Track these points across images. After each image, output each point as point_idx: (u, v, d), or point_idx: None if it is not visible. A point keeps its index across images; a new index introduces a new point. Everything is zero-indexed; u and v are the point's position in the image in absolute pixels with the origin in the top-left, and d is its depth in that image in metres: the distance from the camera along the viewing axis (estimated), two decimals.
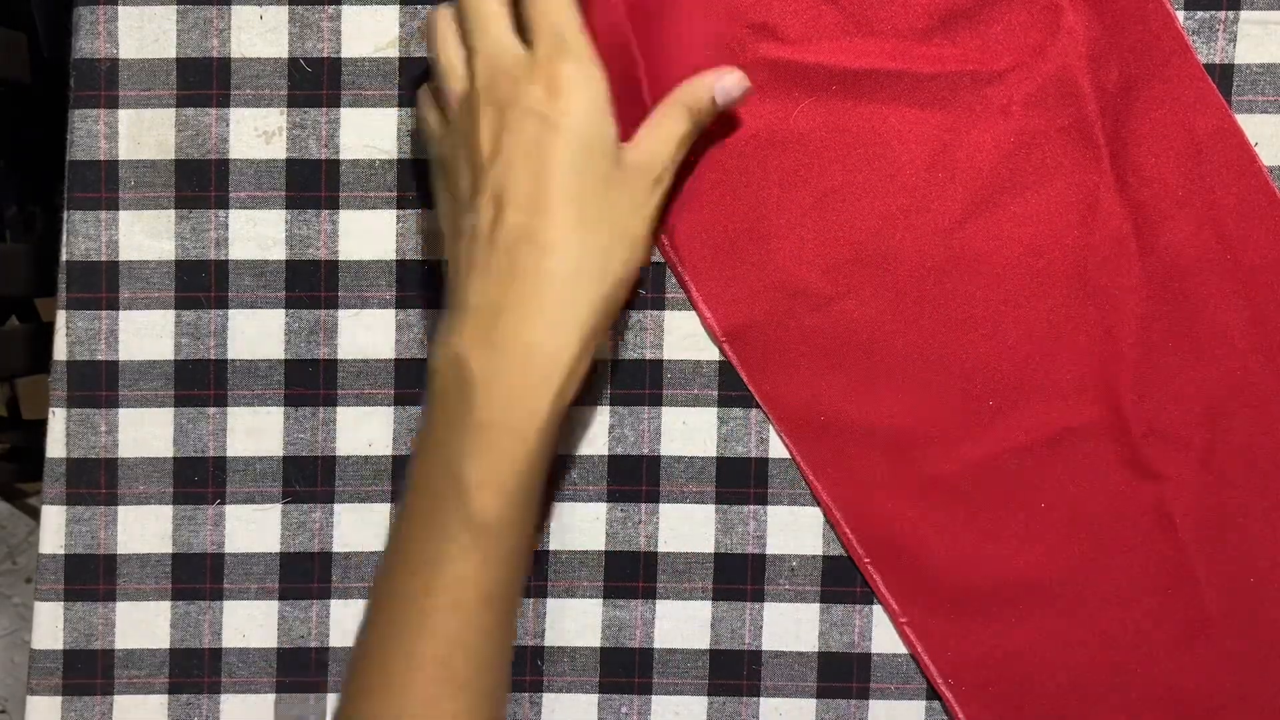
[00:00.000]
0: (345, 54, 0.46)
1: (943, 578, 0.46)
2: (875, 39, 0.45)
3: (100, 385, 0.47)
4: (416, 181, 0.46)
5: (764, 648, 0.46)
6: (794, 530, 0.47)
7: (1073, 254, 0.45)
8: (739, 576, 0.47)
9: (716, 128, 0.45)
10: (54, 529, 0.47)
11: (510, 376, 0.38)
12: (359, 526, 0.47)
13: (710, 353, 0.46)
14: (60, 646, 0.47)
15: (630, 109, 0.42)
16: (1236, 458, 0.45)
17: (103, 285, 0.46)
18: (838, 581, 0.47)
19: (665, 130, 0.42)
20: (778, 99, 0.45)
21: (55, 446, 0.47)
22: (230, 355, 0.47)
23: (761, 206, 0.45)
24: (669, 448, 0.47)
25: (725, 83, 0.43)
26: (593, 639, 0.47)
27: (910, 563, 0.46)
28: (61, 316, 0.47)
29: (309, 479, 0.47)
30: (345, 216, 0.46)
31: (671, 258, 0.46)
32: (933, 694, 0.46)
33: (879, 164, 0.45)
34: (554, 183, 0.39)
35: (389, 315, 0.47)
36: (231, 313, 0.47)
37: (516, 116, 0.39)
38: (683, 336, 0.46)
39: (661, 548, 0.47)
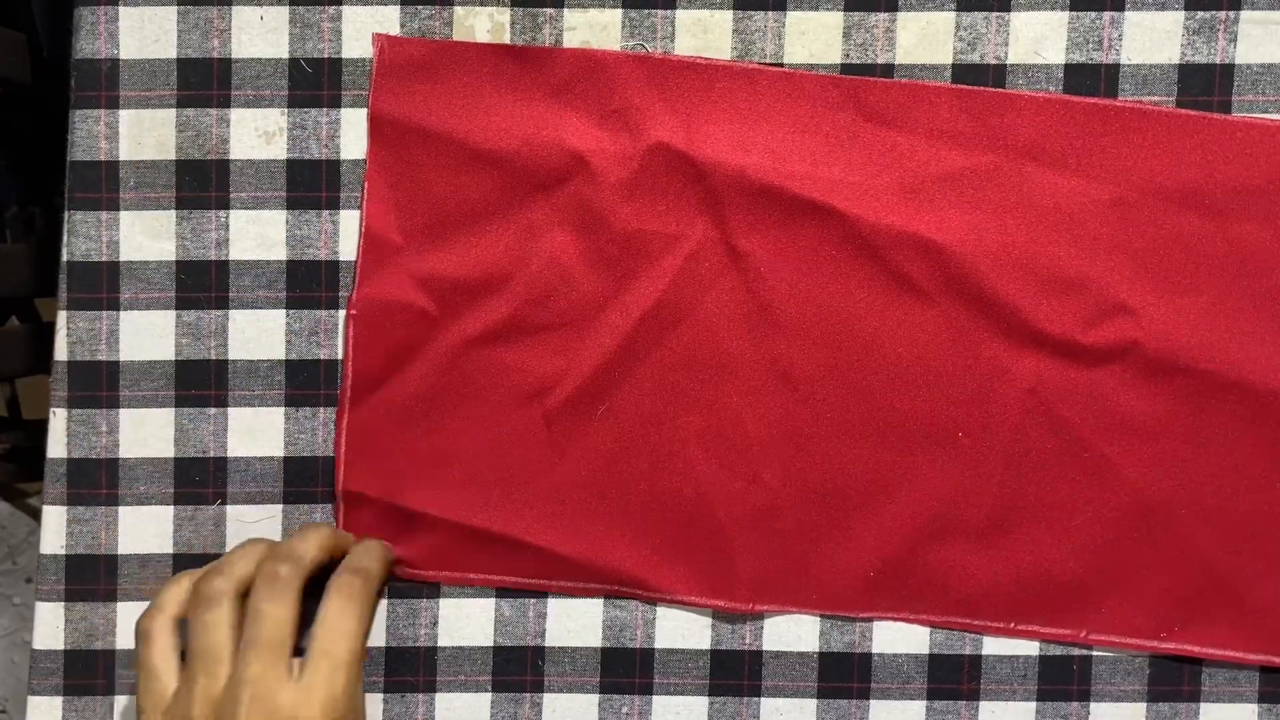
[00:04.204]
0: (345, 54, 0.46)
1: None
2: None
3: (101, 385, 0.47)
4: None
5: (764, 648, 0.46)
6: None
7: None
8: None
9: None
10: (54, 529, 0.47)
11: None
12: None
13: None
14: (61, 646, 0.47)
15: None
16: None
17: (103, 285, 0.46)
18: None
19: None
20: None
21: (56, 446, 0.47)
22: (230, 355, 0.47)
23: None
24: None
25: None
26: (593, 639, 0.47)
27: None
28: (62, 316, 0.47)
29: (309, 479, 0.47)
30: (345, 217, 0.46)
31: None
32: (933, 694, 0.46)
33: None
34: None
35: None
36: (232, 313, 0.47)
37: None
38: None
39: None
